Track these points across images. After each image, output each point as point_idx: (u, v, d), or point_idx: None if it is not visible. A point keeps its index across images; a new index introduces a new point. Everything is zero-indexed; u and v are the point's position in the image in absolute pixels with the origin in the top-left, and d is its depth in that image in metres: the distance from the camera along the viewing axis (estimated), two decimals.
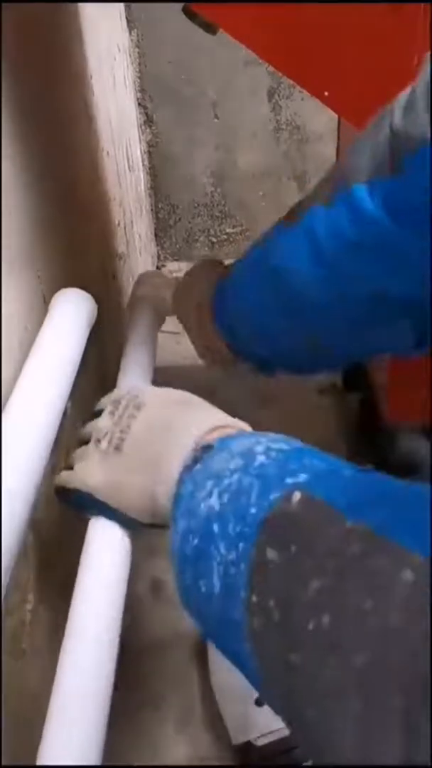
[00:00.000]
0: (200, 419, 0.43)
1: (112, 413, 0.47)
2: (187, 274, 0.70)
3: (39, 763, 0.38)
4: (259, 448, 0.35)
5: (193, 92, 1.54)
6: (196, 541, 0.34)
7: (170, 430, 0.43)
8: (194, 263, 0.71)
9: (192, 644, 0.79)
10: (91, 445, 0.47)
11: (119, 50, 1.29)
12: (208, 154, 1.62)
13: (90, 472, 0.46)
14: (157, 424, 0.44)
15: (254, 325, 0.59)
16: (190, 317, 0.67)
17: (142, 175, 1.55)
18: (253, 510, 0.31)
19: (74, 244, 0.79)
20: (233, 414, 0.45)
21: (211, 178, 1.65)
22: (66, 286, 0.62)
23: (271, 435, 0.38)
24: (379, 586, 0.24)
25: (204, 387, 0.55)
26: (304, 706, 0.26)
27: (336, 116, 1.07)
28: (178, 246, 1.74)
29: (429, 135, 0.41)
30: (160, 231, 1.72)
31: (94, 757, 0.39)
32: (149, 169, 1.62)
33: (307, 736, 0.27)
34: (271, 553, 0.29)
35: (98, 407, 0.51)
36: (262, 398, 1.12)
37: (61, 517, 0.69)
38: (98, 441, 0.46)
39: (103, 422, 0.47)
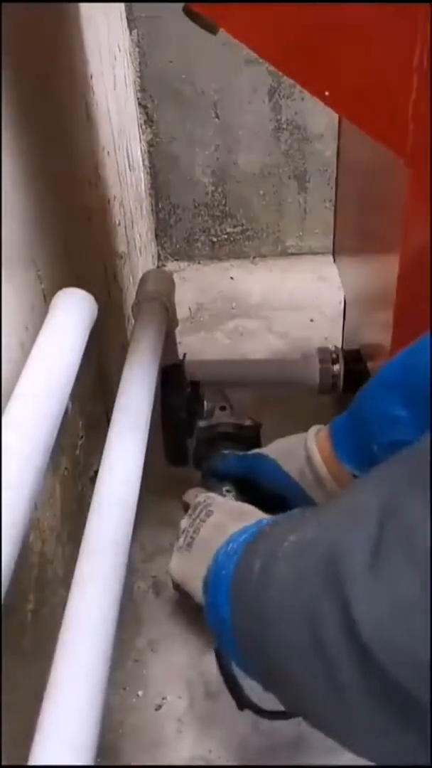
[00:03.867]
0: None
1: (190, 515, 0.61)
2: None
3: (33, 756, 0.38)
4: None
5: (193, 92, 1.54)
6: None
7: (225, 537, 0.53)
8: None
9: (192, 644, 0.79)
10: (178, 540, 0.61)
11: (119, 50, 1.29)
12: (208, 153, 1.62)
13: (172, 563, 0.61)
14: (219, 534, 0.55)
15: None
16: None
17: (142, 175, 1.55)
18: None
19: (74, 244, 0.79)
20: None
21: (212, 178, 1.65)
22: (66, 285, 0.62)
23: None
24: None
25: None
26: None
27: (336, 116, 1.07)
28: (178, 246, 1.74)
29: None
30: (161, 231, 1.72)
31: (88, 751, 0.39)
32: (149, 168, 1.62)
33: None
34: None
35: (184, 498, 0.72)
36: (266, 400, 1.12)
37: (61, 516, 0.69)
38: (178, 537, 0.61)
39: (183, 522, 0.62)
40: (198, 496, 0.65)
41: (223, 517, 0.59)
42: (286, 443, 0.72)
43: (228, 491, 0.77)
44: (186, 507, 0.70)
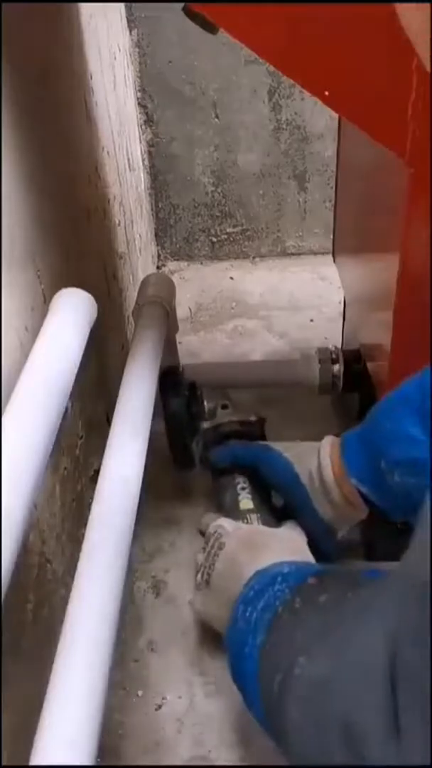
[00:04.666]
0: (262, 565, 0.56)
1: (204, 549, 0.65)
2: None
3: (33, 756, 0.38)
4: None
5: (193, 92, 1.54)
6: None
7: (241, 577, 0.56)
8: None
9: (192, 644, 0.79)
10: (197, 575, 0.66)
11: (119, 50, 1.29)
12: (208, 153, 1.62)
13: (196, 602, 0.67)
14: (233, 568, 0.60)
15: None
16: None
17: (142, 175, 1.55)
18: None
19: (74, 244, 0.79)
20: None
21: (211, 178, 1.65)
22: (66, 286, 0.62)
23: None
24: None
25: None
26: None
27: (336, 116, 1.07)
28: (178, 246, 1.74)
29: None
30: (160, 231, 1.72)
31: (88, 751, 0.39)
32: (149, 168, 1.62)
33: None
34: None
35: (201, 525, 0.74)
36: (266, 400, 1.12)
37: (61, 516, 0.69)
38: (197, 573, 0.66)
39: (199, 557, 0.66)
40: (210, 526, 0.67)
41: (235, 549, 0.62)
42: (299, 447, 0.72)
43: (243, 488, 0.77)
44: (202, 534, 0.71)
